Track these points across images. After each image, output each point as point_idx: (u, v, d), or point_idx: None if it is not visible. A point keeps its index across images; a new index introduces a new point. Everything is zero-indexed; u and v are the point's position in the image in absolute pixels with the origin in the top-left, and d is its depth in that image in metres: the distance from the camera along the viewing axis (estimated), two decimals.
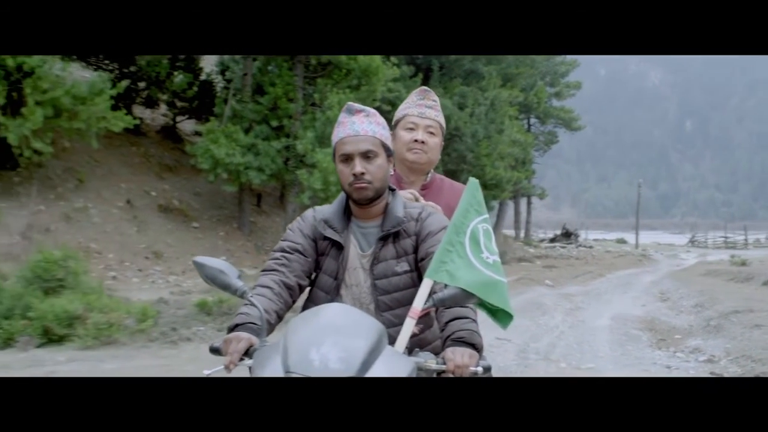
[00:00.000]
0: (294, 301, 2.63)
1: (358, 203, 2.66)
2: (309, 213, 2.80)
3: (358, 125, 2.59)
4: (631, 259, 35.92)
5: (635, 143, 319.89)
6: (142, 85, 23.50)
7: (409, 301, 2.35)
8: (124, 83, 18.72)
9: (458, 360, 2.13)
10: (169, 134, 25.22)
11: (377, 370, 1.88)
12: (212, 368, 2.15)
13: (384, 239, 2.65)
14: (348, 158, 2.57)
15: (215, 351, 2.27)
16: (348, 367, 1.84)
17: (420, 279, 2.51)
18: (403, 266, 2.64)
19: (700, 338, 10.61)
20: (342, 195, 2.75)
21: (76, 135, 17.43)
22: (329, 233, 2.66)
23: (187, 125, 26.53)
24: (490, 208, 35.29)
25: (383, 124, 2.68)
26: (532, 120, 45.83)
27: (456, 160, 26.88)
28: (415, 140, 3.30)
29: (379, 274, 2.64)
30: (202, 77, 25.18)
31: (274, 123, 19.86)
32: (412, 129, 3.33)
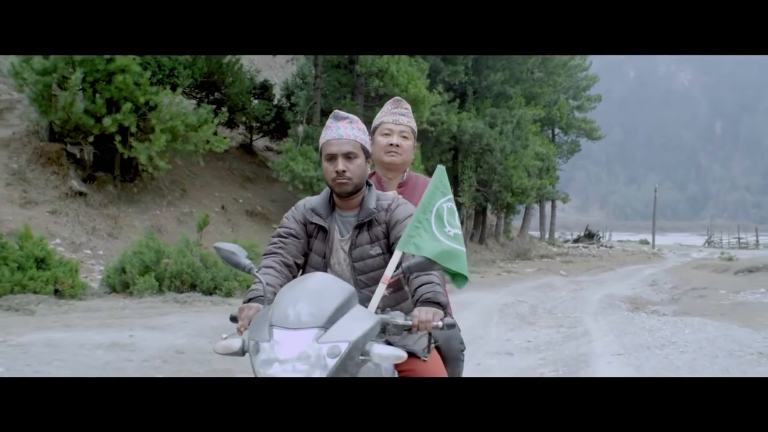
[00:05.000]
0: (294, 276, 2.91)
1: (339, 196, 2.97)
2: (300, 203, 3.11)
3: (342, 130, 2.90)
4: (642, 257, 39.28)
5: (665, 145, 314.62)
6: (223, 108, 27.62)
7: None
8: (223, 114, 23.22)
9: (422, 317, 2.44)
10: (247, 150, 29.65)
11: (342, 324, 2.17)
12: (228, 333, 2.53)
13: (359, 227, 2.95)
14: (332, 158, 2.88)
15: (233, 319, 2.63)
16: (316, 319, 2.13)
17: None
18: (377, 250, 2.95)
19: (662, 306, 14.96)
20: (327, 188, 3.06)
21: (186, 155, 21.74)
22: (315, 219, 2.99)
23: (259, 142, 30.83)
24: (516, 212, 39.07)
25: (364, 130, 2.98)
26: (556, 130, 48.79)
27: (487, 172, 30.89)
28: (391, 144, 3.68)
29: (357, 257, 2.96)
30: (274, 102, 29.59)
31: None
32: (387, 134, 3.70)
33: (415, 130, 3.82)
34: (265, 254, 2.94)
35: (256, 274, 2.58)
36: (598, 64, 49.95)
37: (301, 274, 2.99)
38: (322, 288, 2.28)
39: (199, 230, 13.71)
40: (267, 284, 2.64)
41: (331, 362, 2.07)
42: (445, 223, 2.49)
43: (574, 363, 7.92)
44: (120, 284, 12.26)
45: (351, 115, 2.97)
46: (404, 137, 3.71)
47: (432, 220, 2.48)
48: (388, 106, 3.81)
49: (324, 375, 2.06)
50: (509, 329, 11.15)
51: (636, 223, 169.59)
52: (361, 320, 2.24)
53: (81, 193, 19.85)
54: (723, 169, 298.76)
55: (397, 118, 3.73)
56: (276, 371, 2.06)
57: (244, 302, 2.64)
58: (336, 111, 3.02)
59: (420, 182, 3.81)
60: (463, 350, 3.55)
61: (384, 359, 2.22)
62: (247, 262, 2.58)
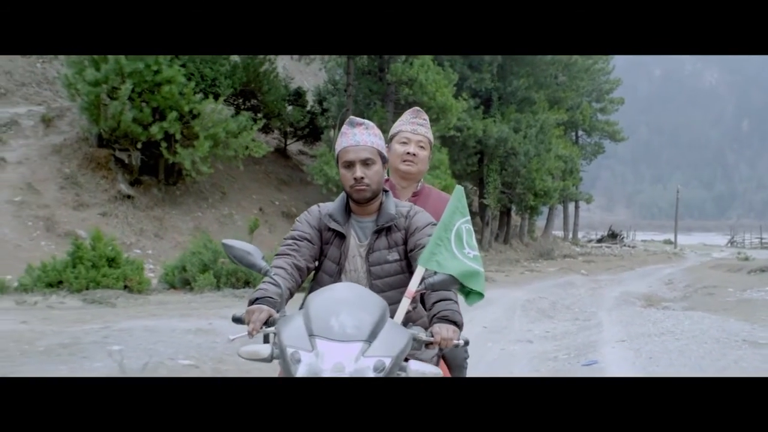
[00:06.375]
0: (303, 281, 2.90)
1: (357, 202, 2.98)
2: (315, 208, 3.11)
3: (358, 136, 2.89)
4: (663, 257, 40.00)
5: (691, 144, 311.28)
6: (259, 114, 28.79)
7: (398, 285, 2.83)
8: (261, 120, 24.50)
9: (444, 334, 2.46)
10: (282, 154, 30.96)
11: (383, 338, 2.18)
12: (236, 335, 2.44)
13: (378, 232, 2.97)
14: (350, 164, 2.89)
15: (238, 320, 2.54)
16: (360, 333, 2.14)
17: (408, 267, 2.95)
18: (394, 255, 2.96)
19: (674, 302, 16.04)
20: (343, 194, 3.07)
21: (227, 160, 23.08)
22: (333, 225, 2.99)
23: (293, 147, 32.14)
24: (540, 213, 40.01)
25: (380, 136, 2.98)
26: (580, 133, 49.71)
27: (512, 174, 32.09)
28: (408, 153, 3.69)
29: (374, 262, 2.96)
30: (307, 108, 30.75)
31: None
32: (405, 143, 3.71)
33: (432, 141, 3.84)
34: (277, 255, 2.89)
35: (273, 277, 2.53)
36: (623, 62, 50.37)
37: (313, 280, 3.04)
38: (359, 300, 2.30)
39: (250, 233, 15.07)
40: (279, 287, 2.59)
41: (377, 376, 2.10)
42: (464, 244, 2.51)
43: (584, 348, 9.12)
44: (180, 281, 13.69)
45: (366, 121, 2.98)
46: (421, 147, 3.73)
47: (452, 239, 2.50)
48: (407, 115, 3.84)
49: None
50: (530, 321, 12.41)
51: (661, 222, 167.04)
52: (398, 336, 2.27)
53: (129, 196, 21.30)
54: (750, 168, 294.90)
55: (416, 128, 3.76)
56: None
57: (250, 303, 2.59)
58: (351, 117, 3.01)
59: (432, 194, 3.84)
60: (466, 358, 3.68)
61: (420, 375, 2.29)
62: (263, 263, 2.51)
